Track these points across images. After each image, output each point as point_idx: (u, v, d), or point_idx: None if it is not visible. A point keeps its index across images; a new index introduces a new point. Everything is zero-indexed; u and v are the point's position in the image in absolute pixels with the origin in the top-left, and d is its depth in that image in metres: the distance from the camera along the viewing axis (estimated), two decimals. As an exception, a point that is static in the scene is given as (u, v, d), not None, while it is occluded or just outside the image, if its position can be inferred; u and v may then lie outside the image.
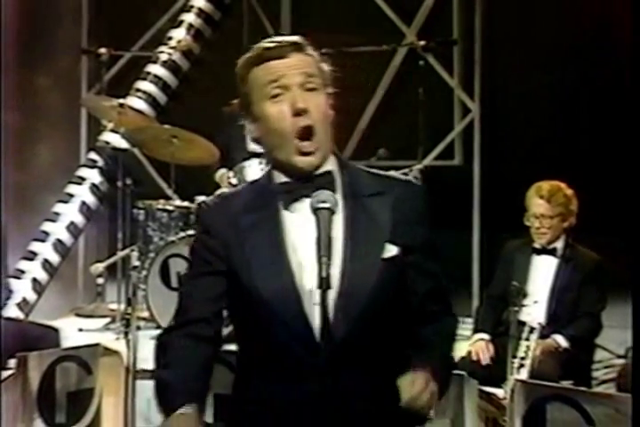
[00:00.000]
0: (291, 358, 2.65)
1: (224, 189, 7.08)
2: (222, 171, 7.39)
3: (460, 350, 5.75)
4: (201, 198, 7.19)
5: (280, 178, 2.74)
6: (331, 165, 2.75)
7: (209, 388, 2.80)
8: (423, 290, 2.75)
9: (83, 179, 8.73)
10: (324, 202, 2.61)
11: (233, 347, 2.87)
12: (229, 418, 2.85)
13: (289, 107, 2.67)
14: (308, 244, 2.62)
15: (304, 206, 2.68)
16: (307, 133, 2.67)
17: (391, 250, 2.67)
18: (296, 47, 2.73)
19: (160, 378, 2.76)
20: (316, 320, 2.61)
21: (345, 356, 2.60)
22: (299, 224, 2.69)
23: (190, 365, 2.73)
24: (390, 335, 2.74)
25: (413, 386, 2.56)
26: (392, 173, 2.90)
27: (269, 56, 2.72)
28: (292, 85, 2.69)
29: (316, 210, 2.61)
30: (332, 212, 2.61)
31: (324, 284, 2.51)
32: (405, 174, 7.87)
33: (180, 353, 2.77)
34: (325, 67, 2.77)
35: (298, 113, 2.67)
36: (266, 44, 2.74)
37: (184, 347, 2.77)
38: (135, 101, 8.77)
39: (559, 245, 6.08)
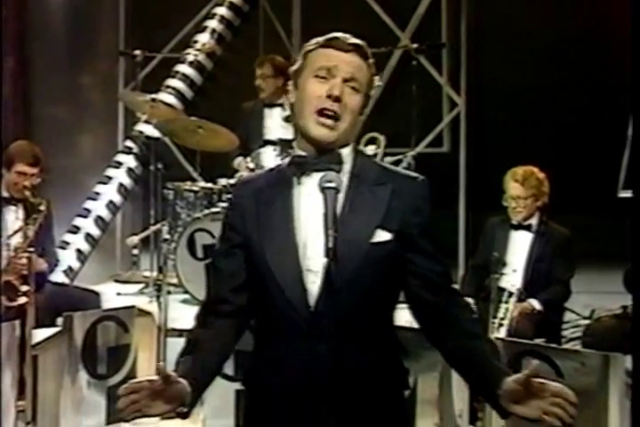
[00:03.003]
0: (289, 325, 2.61)
1: (243, 173, 7.07)
2: (239, 159, 7.41)
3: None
4: (223, 180, 7.18)
5: (298, 151, 2.71)
6: (346, 150, 2.70)
7: (215, 374, 2.79)
8: (424, 270, 2.66)
9: (120, 163, 8.73)
10: (330, 182, 2.57)
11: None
12: (246, 372, 2.82)
13: (326, 90, 2.63)
14: (314, 216, 2.59)
15: (312, 180, 2.64)
16: (329, 115, 2.63)
17: (381, 235, 2.61)
18: (358, 49, 2.68)
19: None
20: (312, 294, 2.58)
21: (337, 326, 2.55)
22: (307, 197, 2.65)
23: (204, 350, 2.73)
24: (381, 310, 2.69)
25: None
26: (400, 168, 2.86)
27: (335, 45, 2.67)
28: (337, 75, 2.64)
29: (323, 189, 2.57)
30: (337, 191, 2.57)
31: (330, 254, 2.47)
32: (400, 161, 7.89)
33: (200, 337, 2.76)
34: (375, 80, 2.73)
35: (330, 97, 2.63)
36: (338, 35, 2.70)
37: (205, 327, 2.76)
38: (166, 96, 8.75)
39: (534, 221, 6.08)
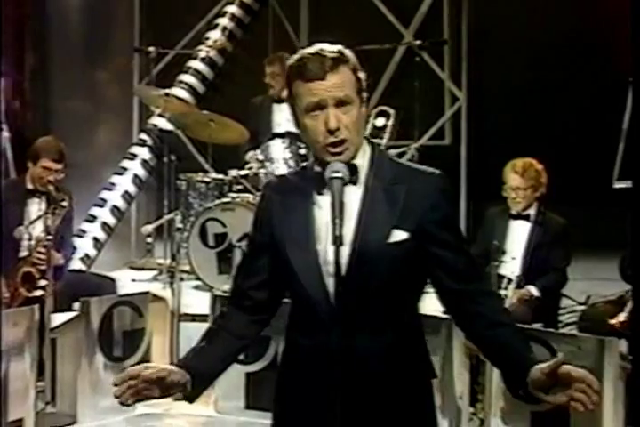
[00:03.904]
0: (312, 315, 2.62)
1: (252, 165, 7.07)
2: (251, 153, 7.40)
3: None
4: (233, 172, 7.17)
5: (316, 168, 2.66)
6: (360, 157, 2.64)
7: (224, 365, 2.75)
8: (451, 262, 2.61)
9: (135, 155, 8.72)
10: (336, 172, 2.56)
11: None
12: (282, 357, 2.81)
13: (323, 124, 2.57)
14: (328, 221, 2.56)
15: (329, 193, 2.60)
16: (337, 145, 2.59)
17: (398, 235, 2.57)
18: (335, 62, 2.57)
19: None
20: (330, 286, 2.57)
21: (355, 316, 2.55)
22: (326, 206, 2.59)
23: (218, 342, 2.71)
24: (402, 303, 2.66)
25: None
26: (417, 165, 2.81)
27: (309, 76, 2.57)
28: (327, 105, 2.57)
29: (330, 179, 2.56)
30: (343, 180, 2.55)
31: (337, 241, 2.47)
32: (404, 153, 7.89)
33: (218, 327, 2.76)
34: (361, 74, 2.64)
35: (330, 131, 2.57)
36: (308, 55, 2.58)
37: (225, 318, 2.77)
38: (179, 91, 8.74)
39: (532, 211, 6.06)
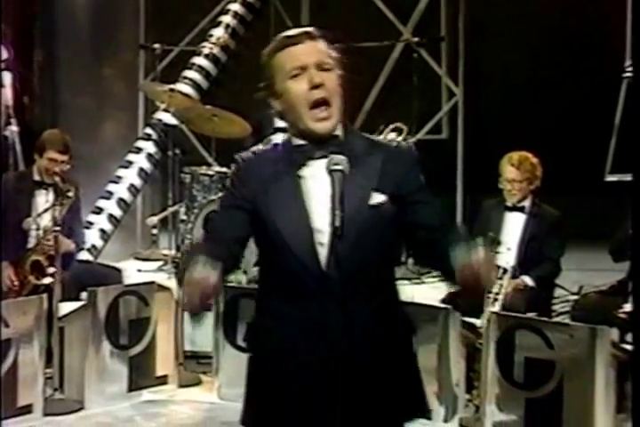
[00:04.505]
0: (300, 284, 2.63)
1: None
2: (256, 146, 7.37)
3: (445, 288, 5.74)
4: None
5: (297, 142, 2.71)
6: (339, 131, 2.71)
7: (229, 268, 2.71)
8: (427, 216, 2.70)
9: (140, 149, 8.71)
10: (337, 164, 2.59)
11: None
12: (251, 333, 2.83)
13: (307, 82, 2.64)
14: (319, 194, 2.62)
15: (317, 165, 2.65)
16: (322, 103, 2.64)
17: (377, 198, 2.64)
18: (309, 36, 2.69)
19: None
20: (322, 255, 2.61)
21: (345, 284, 2.58)
22: (312, 178, 2.66)
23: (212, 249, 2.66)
24: (384, 265, 2.73)
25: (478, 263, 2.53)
26: (385, 140, 2.89)
27: (289, 43, 2.68)
28: (308, 65, 2.65)
29: (331, 171, 2.59)
30: (343, 173, 2.58)
31: (337, 231, 2.51)
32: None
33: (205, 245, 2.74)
34: (334, 53, 2.72)
35: (314, 86, 2.64)
36: (285, 34, 2.71)
37: (209, 241, 2.75)
38: (183, 87, 8.72)
39: (527, 203, 6.06)
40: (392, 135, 7.21)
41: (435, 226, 2.69)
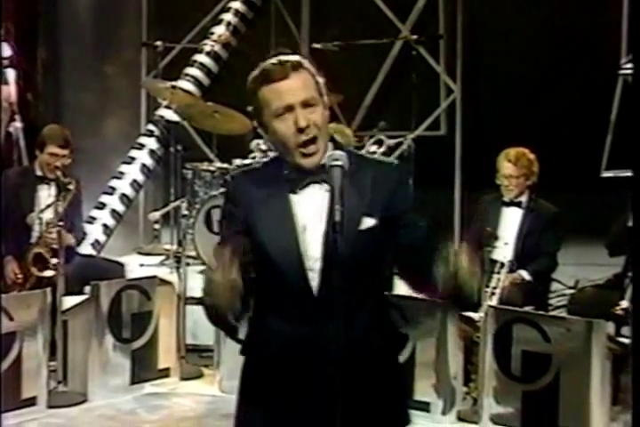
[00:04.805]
0: (291, 303, 2.63)
1: (256, 154, 7.04)
2: (256, 141, 7.37)
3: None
4: (237, 161, 7.15)
5: (287, 169, 2.67)
6: (325, 155, 2.64)
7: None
8: (416, 239, 2.65)
9: (143, 145, 8.70)
10: (336, 160, 2.56)
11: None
12: (245, 343, 2.82)
13: (293, 124, 2.59)
14: (310, 218, 2.60)
15: (306, 191, 2.63)
16: (309, 144, 2.61)
17: (368, 222, 2.61)
18: (295, 66, 2.62)
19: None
20: (313, 281, 2.60)
21: (336, 307, 2.52)
22: (301, 202, 2.64)
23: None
24: (374, 285, 2.71)
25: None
26: (376, 156, 2.84)
27: (273, 77, 2.61)
28: (294, 105, 2.60)
29: (330, 167, 2.56)
30: (343, 168, 2.55)
31: (336, 227, 2.47)
32: (401, 143, 7.87)
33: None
34: (320, 79, 2.67)
35: (301, 130, 2.59)
36: (269, 64, 2.63)
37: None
38: (184, 84, 8.71)
39: (524, 198, 6.06)
40: (373, 148, 7.20)
41: (421, 250, 2.63)
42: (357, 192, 2.61)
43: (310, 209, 2.61)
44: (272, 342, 2.68)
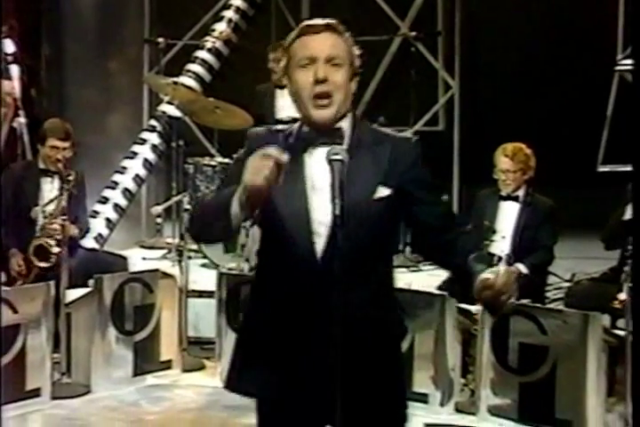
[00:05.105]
0: (295, 273, 2.62)
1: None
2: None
3: (442, 275, 5.74)
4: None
5: (304, 128, 2.71)
6: (344, 122, 2.69)
7: None
8: (429, 218, 2.69)
9: (145, 140, 8.68)
10: (336, 154, 2.55)
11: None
12: (246, 319, 2.82)
13: (312, 75, 2.63)
14: (320, 183, 2.60)
15: (318, 153, 2.64)
16: (323, 96, 2.63)
17: (382, 191, 2.63)
18: (329, 27, 2.66)
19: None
20: (319, 245, 2.59)
21: (341, 274, 2.49)
22: (314, 166, 2.65)
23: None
24: (382, 256, 2.72)
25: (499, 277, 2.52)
26: (392, 131, 2.84)
27: (306, 31, 2.66)
28: (318, 59, 2.63)
29: (330, 161, 2.55)
30: (343, 163, 2.54)
31: (337, 220, 2.47)
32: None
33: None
34: (355, 49, 2.69)
35: (318, 81, 2.62)
36: (307, 22, 2.69)
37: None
38: (186, 80, 8.70)
39: (521, 193, 6.05)
40: None
41: (443, 228, 2.70)
42: (375, 162, 2.64)
43: (322, 171, 2.58)
44: (273, 302, 2.67)
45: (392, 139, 2.73)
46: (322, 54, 2.63)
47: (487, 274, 2.54)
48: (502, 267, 2.59)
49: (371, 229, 2.62)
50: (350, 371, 2.49)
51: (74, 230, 6.11)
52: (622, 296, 5.25)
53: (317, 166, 2.63)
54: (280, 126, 2.85)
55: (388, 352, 2.75)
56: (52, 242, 5.90)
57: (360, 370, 2.63)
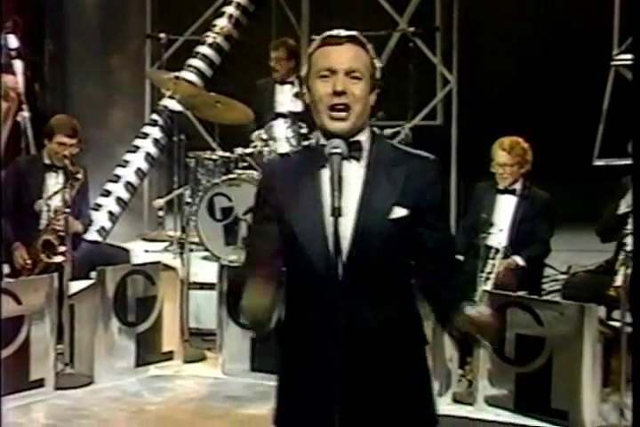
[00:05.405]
0: (316, 289, 2.58)
1: (257, 143, 7.02)
2: (257, 131, 7.35)
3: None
4: (239, 150, 7.13)
5: (321, 141, 2.65)
6: (363, 136, 2.65)
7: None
8: (431, 243, 2.63)
9: (147, 134, 8.68)
10: (335, 148, 2.55)
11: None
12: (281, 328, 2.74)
13: (331, 87, 2.59)
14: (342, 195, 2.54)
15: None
16: (340, 108, 2.59)
17: (398, 212, 2.58)
18: (351, 39, 2.62)
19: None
20: (339, 264, 2.53)
21: (358, 288, 2.52)
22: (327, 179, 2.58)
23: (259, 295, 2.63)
24: (399, 274, 2.66)
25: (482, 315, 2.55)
26: (413, 149, 2.79)
27: (329, 42, 2.62)
28: (338, 71, 2.59)
29: (329, 154, 2.55)
30: (342, 156, 2.54)
31: (336, 212, 2.46)
32: (398, 132, 7.85)
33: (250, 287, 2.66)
34: (376, 62, 2.66)
35: (336, 93, 2.58)
36: (332, 32, 2.65)
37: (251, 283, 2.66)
38: (188, 75, 8.69)
39: (518, 186, 6.04)
40: None
41: (440, 255, 2.66)
42: (391, 182, 2.59)
43: (343, 188, 2.53)
44: (297, 328, 2.64)
45: (410, 157, 2.68)
46: (342, 66, 2.59)
47: (471, 311, 2.54)
48: (485, 308, 2.61)
49: (387, 247, 2.58)
50: (377, 383, 2.53)
51: (78, 226, 6.11)
52: (618, 282, 5.21)
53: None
54: (290, 152, 2.82)
55: (414, 361, 2.70)
56: (59, 238, 5.90)
57: (387, 381, 2.60)
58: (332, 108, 2.58)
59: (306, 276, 2.61)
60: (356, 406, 2.53)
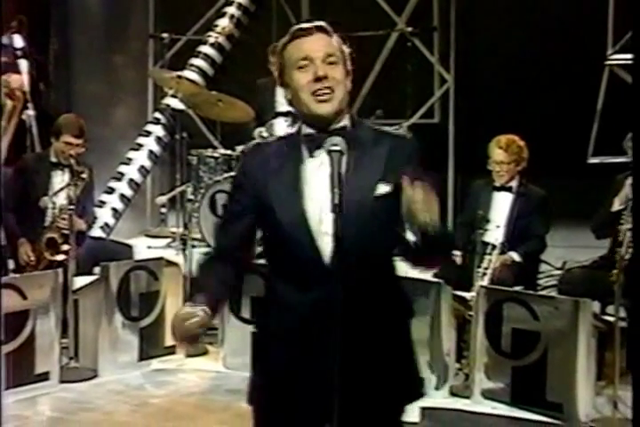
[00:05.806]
0: (301, 270, 2.60)
1: (258, 141, 7.02)
2: (258, 129, 7.36)
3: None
4: (240, 148, 7.14)
5: (306, 130, 2.67)
6: (345, 121, 2.67)
7: (226, 298, 2.81)
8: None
9: (150, 132, 8.68)
10: (335, 145, 2.54)
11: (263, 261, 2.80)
12: (260, 316, 2.83)
13: (311, 74, 2.61)
14: (321, 182, 2.56)
15: (322, 153, 2.60)
16: (324, 93, 2.61)
17: (383, 188, 2.59)
18: (320, 29, 2.66)
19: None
20: (322, 243, 2.56)
21: (348, 272, 2.49)
22: (316, 167, 2.62)
23: (215, 280, 2.71)
24: (385, 252, 2.68)
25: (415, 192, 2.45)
26: (389, 129, 2.82)
27: (299, 34, 2.65)
28: (315, 58, 2.61)
29: (329, 152, 2.54)
30: (341, 153, 2.54)
31: (336, 209, 2.46)
32: (396, 130, 7.86)
33: (206, 272, 2.77)
34: (345, 48, 2.68)
35: (318, 79, 2.60)
36: (298, 26, 2.68)
37: (212, 268, 2.76)
38: (190, 74, 8.69)
39: (514, 183, 6.04)
40: None
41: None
42: (374, 160, 2.62)
43: (326, 173, 2.54)
44: (283, 308, 2.66)
45: (391, 136, 2.71)
46: (318, 54, 2.61)
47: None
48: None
49: (375, 226, 2.59)
50: (363, 358, 2.54)
51: (82, 225, 6.11)
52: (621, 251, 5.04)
53: (320, 167, 2.60)
54: (269, 139, 2.84)
55: (400, 332, 2.73)
56: (62, 237, 5.89)
57: (373, 354, 2.62)
58: (315, 93, 2.60)
59: (290, 259, 2.62)
60: (345, 381, 2.46)
